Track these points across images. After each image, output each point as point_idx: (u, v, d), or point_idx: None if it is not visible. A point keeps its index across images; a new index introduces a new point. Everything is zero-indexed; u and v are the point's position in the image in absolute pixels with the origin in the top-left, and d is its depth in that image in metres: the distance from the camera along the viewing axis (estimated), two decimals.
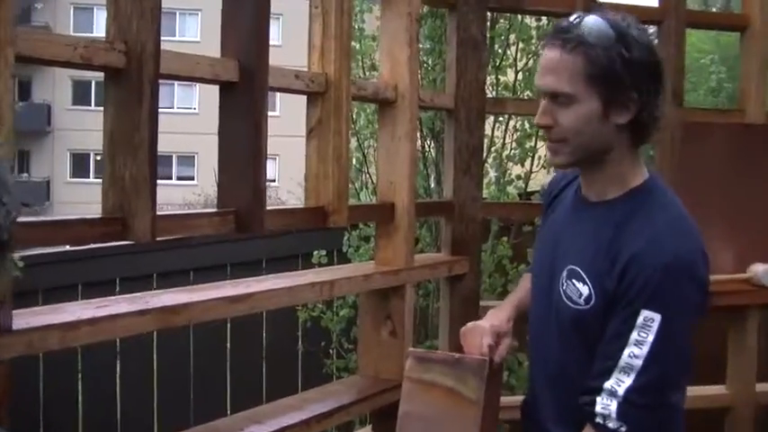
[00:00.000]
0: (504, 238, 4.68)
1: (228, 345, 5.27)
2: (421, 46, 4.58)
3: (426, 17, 4.60)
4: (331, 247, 4.95)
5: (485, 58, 3.76)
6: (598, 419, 1.85)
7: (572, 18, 1.96)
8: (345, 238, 4.79)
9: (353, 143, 4.90)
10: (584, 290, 1.97)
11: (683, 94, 3.81)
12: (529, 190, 4.88)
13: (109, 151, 2.25)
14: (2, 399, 1.95)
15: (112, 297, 2.40)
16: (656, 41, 3.67)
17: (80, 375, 4.99)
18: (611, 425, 1.84)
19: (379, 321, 3.29)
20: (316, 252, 4.82)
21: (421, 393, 2.24)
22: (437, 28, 4.58)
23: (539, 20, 5.00)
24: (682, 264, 1.86)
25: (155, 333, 4.94)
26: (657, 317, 1.82)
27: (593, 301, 1.95)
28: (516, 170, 4.88)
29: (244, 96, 2.56)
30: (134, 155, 2.22)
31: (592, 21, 1.92)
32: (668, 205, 1.99)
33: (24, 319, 2.07)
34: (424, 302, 4.68)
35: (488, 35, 4.58)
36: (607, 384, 1.85)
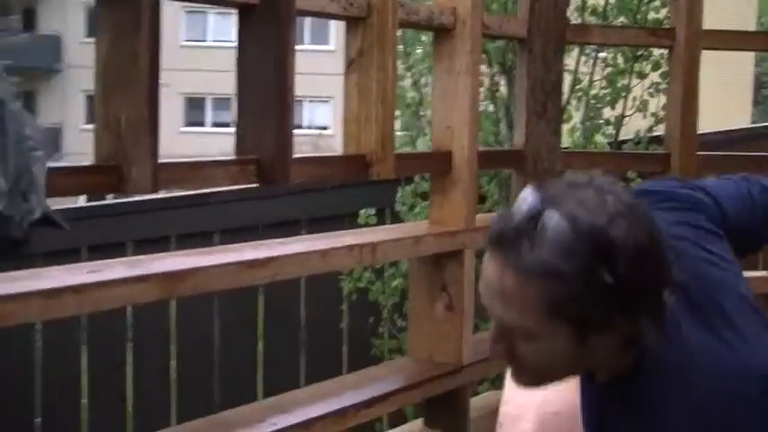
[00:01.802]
0: None
1: (261, 322, 5.30)
2: None
3: None
4: (382, 205, 4.95)
5: None
6: None
7: (523, 213, 1.59)
8: (398, 194, 4.77)
9: (408, 81, 4.87)
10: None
11: None
12: (621, 138, 4.81)
13: (101, 86, 2.26)
14: None
15: (108, 260, 2.42)
16: None
17: (84, 347, 5.06)
18: None
19: (432, 293, 3.28)
20: (362, 211, 4.81)
21: None
22: None
23: None
24: None
25: (174, 305, 5.01)
26: None
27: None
28: (606, 113, 4.81)
29: (266, 22, 2.56)
30: (130, 92, 2.23)
31: (554, 226, 1.54)
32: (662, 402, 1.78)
33: None
34: None
35: None
36: None
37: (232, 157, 2.58)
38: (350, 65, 2.93)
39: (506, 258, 1.57)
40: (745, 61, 22.70)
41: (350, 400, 2.89)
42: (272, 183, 2.60)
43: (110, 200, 6.85)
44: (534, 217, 1.56)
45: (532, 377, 1.74)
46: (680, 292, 1.68)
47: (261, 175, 2.57)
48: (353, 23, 2.90)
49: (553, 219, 1.54)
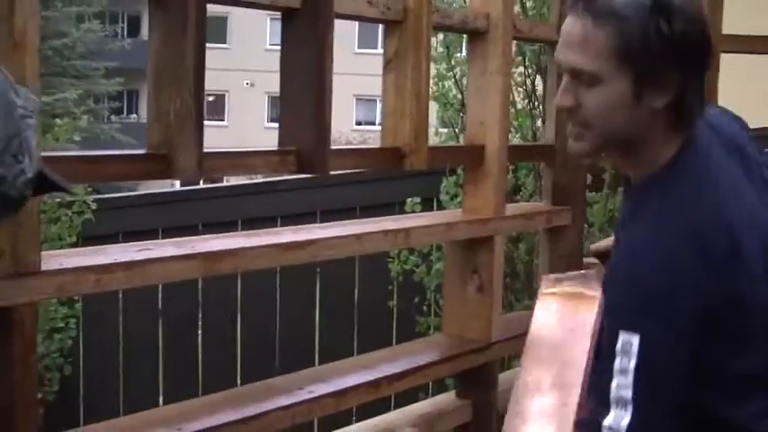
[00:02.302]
0: (620, 189, 4.52)
1: (318, 299, 5.29)
2: None
3: None
4: (429, 195, 4.89)
5: None
6: None
7: None
8: (443, 185, 4.72)
9: (450, 81, 4.80)
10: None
11: None
12: None
13: (154, 83, 2.24)
14: (31, 342, 1.97)
15: (159, 240, 2.40)
16: None
17: (160, 319, 5.11)
18: None
19: (465, 276, 3.23)
20: (409, 200, 4.77)
21: (550, 303, 2.63)
22: None
23: None
24: (649, 268, 1.71)
25: (239, 281, 5.03)
26: (635, 339, 1.69)
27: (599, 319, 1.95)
28: None
29: (306, 25, 2.52)
30: (179, 87, 2.20)
31: None
32: (660, 209, 1.79)
33: (57, 260, 2.09)
34: (528, 258, 4.58)
35: None
36: (606, 422, 1.73)
37: (274, 148, 2.55)
38: (387, 65, 2.88)
39: (584, 9, 1.72)
40: None
41: (384, 371, 2.85)
42: (310, 172, 2.56)
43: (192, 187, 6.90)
44: None
45: (591, 135, 1.78)
46: (714, 130, 1.85)
47: (300, 165, 2.53)
48: (390, 27, 2.85)
49: None
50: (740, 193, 1.80)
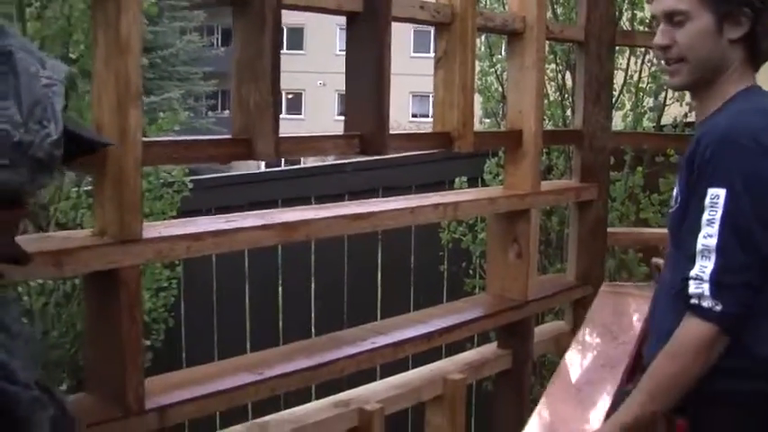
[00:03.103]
0: (639, 168, 4.40)
1: (379, 265, 5.24)
2: None
3: None
4: (475, 174, 4.80)
5: None
6: (693, 300, 1.72)
7: None
8: (486, 165, 4.62)
9: (492, 76, 4.70)
10: (675, 192, 1.89)
11: None
12: (662, 123, 4.55)
13: (236, 78, 2.20)
14: (135, 298, 1.94)
15: (244, 213, 2.36)
16: None
17: (247, 283, 5.11)
18: (705, 303, 1.70)
19: (506, 244, 3.15)
20: (457, 179, 4.68)
21: (607, 297, 2.84)
22: None
23: None
24: (735, 134, 1.72)
25: (312, 248, 4.99)
26: (723, 191, 1.69)
27: (679, 199, 1.84)
28: (651, 102, 4.57)
29: (367, 26, 2.45)
30: (257, 81, 2.15)
31: None
32: (744, 101, 1.82)
33: (157, 230, 2.06)
34: (559, 228, 4.48)
35: None
36: (692, 273, 1.71)
37: (340, 132, 2.49)
38: (437, 62, 2.80)
39: None
40: None
41: (436, 326, 2.79)
42: (371, 154, 2.50)
43: (273, 169, 6.89)
44: None
45: (685, 68, 1.85)
46: None
47: (363, 147, 2.47)
48: (440, 28, 2.77)
49: None
50: None
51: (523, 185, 3.11)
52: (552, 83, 4.49)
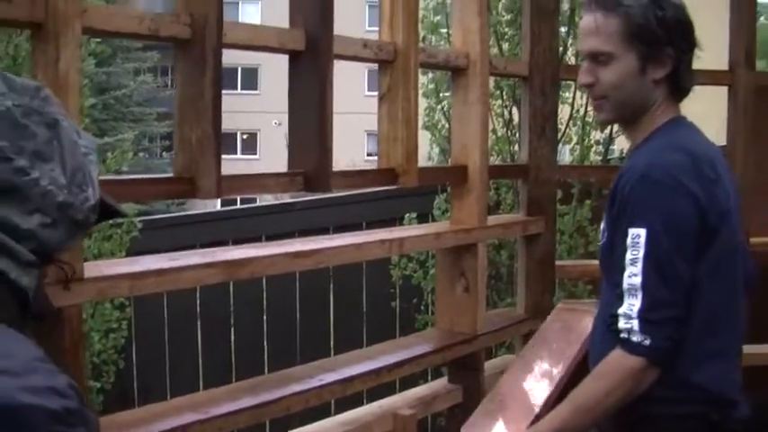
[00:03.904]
0: (587, 201, 4.47)
1: (331, 299, 5.24)
2: (503, 18, 4.40)
3: None
4: (424, 211, 4.84)
5: (557, 28, 3.57)
6: (623, 335, 1.76)
7: None
8: (435, 201, 4.66)
9: (439, 112, 4.76)
10: (603, 225, 1.95)
11: (755, 58, 3.54)
12: (609, 156, 4.64)
13: (179, 116, 2.20)
14: (79, 337, 1.92)
15: (188, 251, 2.35)
16: (727, 9, 3.44)
17: (198, 322, 5.08)
18: (634, 338, 1.75)
19: (453, 278, 3.16)
20: (407, 215, 4.71)
21: (561, 313, 2.81)
22: (516, 1, 4.38)
23: None
24: (654, 173, 1.77)
25: (264, 286, 4.98)
26: (643, 231, 1.74)
27: (606, 234, 1.90)
28: (597, 136, 4.65)
29: (310, 64, 2.47)
30: (199, 120, 2.16)
31: None
32: (667, 135, 1.88)
33: (98, 268, 2.05)
34: (509, 263, 4.52)
35: (570, 6, 4.37)
36: (621, 310, 1.76)
37: (284, 170, 2.49)
38: (381, 97, 2.83)
39: (596, 5, 1.86)
40: None
41: (385, 361, 2.79)
42: (315, 191, 2.51)
43: (225, 208, 6.87)
44: None
45: (608, 105, 1.90)
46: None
47: (307, 185, 2.47)
48: (383, 65, 2.80)
49: None
50: (721, 160, 1.89)
51: (470, 220, 3.14)
52: (499, 118, 4.56)
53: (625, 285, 1.74)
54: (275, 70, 31.36)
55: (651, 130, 1.90)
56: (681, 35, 1.86)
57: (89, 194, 1.14)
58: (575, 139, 4.58)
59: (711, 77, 4.51)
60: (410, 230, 3.16)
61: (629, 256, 1.74)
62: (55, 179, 1.08)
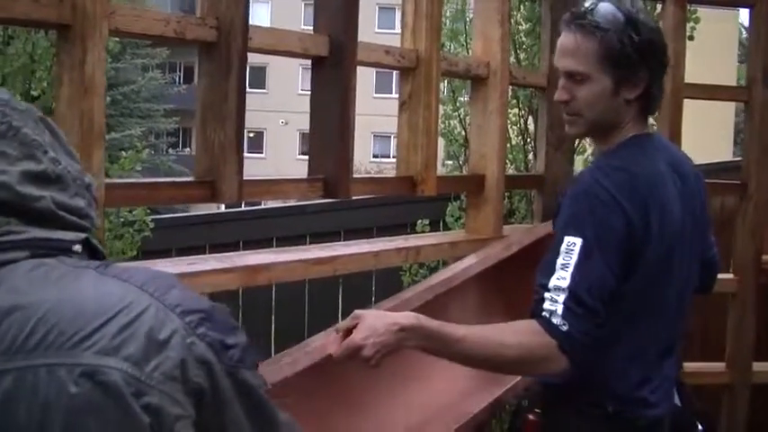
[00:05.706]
0: None
1: (340, 305, 5.22)
2: (521, 27, 4.39)
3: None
4: (436, 217, 4.82)
5: None
6: (545, 313, 1.79)
7: (587, 5, 1.97)
8: (448, 208, 4.65)
9: (456, 120, 4.75)
10: None
11: None
12: None
13: (201, 120, 2.19)
14: None
15: (204, 256, 2.34)
16: (747, 24, 3.44)
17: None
18: (555, 320, 1.78)
19: None
20: (419, 221, 4.70)
21: None
22: (535, 10, 4.37)
23: None
24: (595, 189, 1.85)
25: (273, 291, 4.96)
26: (579, 241, 1.81)
27: None
28: None
29: (333, 70, 2.46)
30: (223, 123, 2.15)
31: (604, 7, 1.93)
32: (616, 152, 1.97)
33: None
34: None
35: None
36: (551, 286, 1.80)
37: (303, 172, 2.49)
38: (402, 105, 2.82)
39: (575, 26, 1.93)
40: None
41: None
42: (335, 197, 2.50)
43: (234, 209, 6.86)
44: (593, 3, 1.94)
45: (582, 121, 1.97)
46: (668, 151, 2.06)
47: (327, 191, 2.47)
48: (405, 73, 2.79)
49: (604, 5, 1.93)
50: (664, 182, 1.94)
51: (485, 229, 3.13)
52: (514, 127, 4.54)
53: (551, 285, 1.79)
54: (283, 69, 31.58)
55: (616, 143, 1.98)
56: (654, 58, 1.95)
57: (91, 217, 1.16)
58: (589, 150, 4.56)
59: (729, 94, 4.54)
60: (426, 239, 3.16)
61: (560, 261, 1.80)
62: (72, 165, 1.12)
